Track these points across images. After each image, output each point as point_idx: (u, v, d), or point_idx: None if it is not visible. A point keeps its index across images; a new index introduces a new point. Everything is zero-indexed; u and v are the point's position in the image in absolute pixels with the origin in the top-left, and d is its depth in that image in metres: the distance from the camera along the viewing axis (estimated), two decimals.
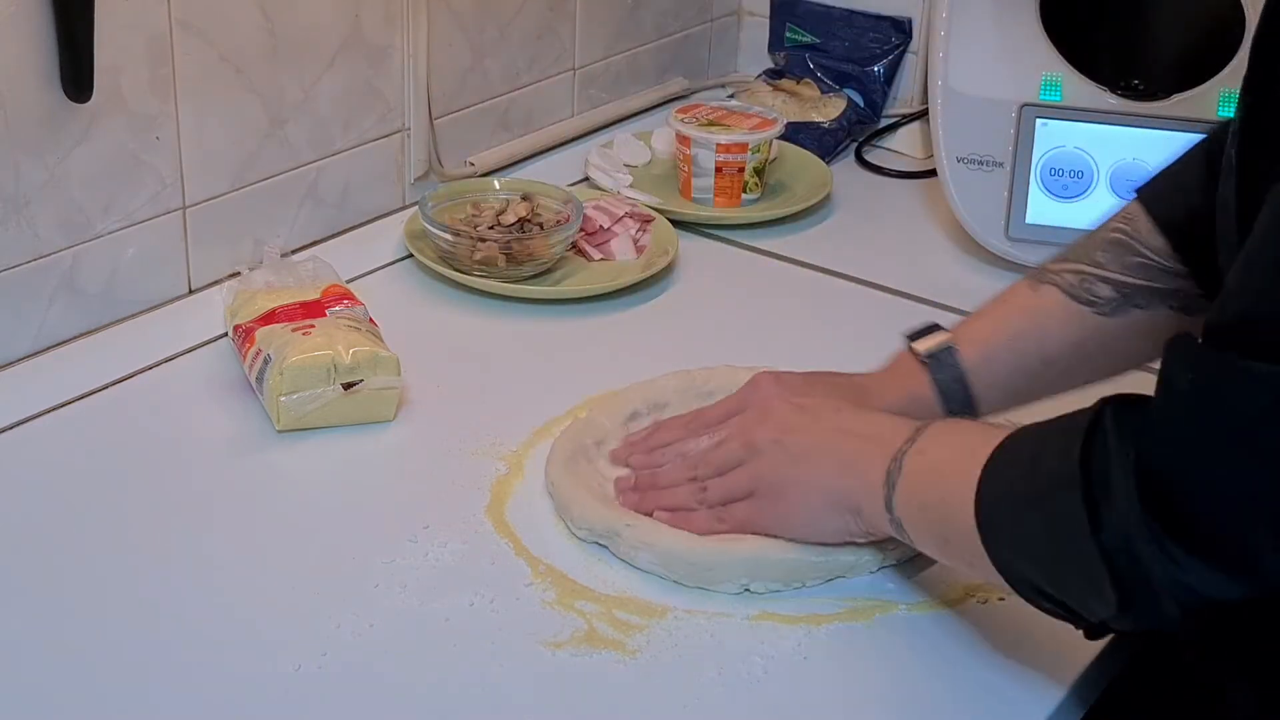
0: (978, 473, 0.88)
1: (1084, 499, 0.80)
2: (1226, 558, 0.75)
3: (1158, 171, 1.10)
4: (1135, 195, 1.09)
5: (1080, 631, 0.88)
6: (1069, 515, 0.81)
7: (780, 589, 1.01)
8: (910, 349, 1.10)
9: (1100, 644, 0.98)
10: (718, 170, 1.54)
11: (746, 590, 1.01)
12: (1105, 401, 0.83)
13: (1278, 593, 0.75)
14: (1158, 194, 1.08)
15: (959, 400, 1.09)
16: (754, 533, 1.02)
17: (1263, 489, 0.73)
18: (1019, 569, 0.87)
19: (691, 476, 1.06)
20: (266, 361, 1.16)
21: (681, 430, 1.12)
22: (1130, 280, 1.06)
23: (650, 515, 1.05)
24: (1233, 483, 0.74)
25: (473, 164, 1.55)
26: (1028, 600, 0.88)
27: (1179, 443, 0.77)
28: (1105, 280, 1.07)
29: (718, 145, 1.53)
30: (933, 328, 1.11)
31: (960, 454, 0.91)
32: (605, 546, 1.04)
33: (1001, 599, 1.01)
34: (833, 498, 1.00)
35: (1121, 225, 1.08)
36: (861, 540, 1.01)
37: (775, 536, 1.02)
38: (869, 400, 1.10)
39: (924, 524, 0.95)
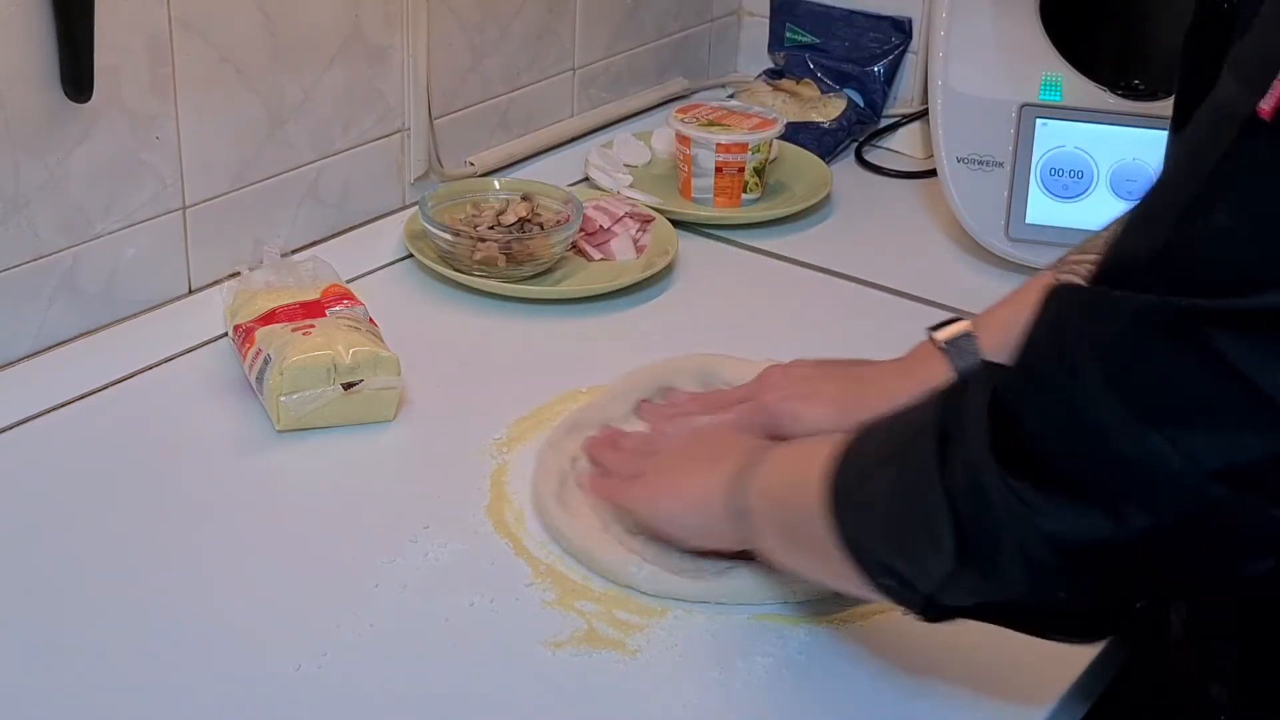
0: (836, 451, 0.87)
1: (936, 441, 0.78)
2: (1073, 490, 0.72)
3: None
4: None
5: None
6: (919, 460, 0.79)
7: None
8: (930, 338, 1.10)
9: (1100, 644, 0.98)
10: (718, 170, 1.54)
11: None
12: (982, 363, 0.81)
13: (1130, 534, 0.72)
14: None
15: None
16: (633, 513, 1.05)
17: (1112, 417, 0.70)
18: (861, 538, 0.84)
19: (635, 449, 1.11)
20: (266, 361, 1.16)
21: (696, 405, 1.16)
22: None
23: (596, 463, 1.11)
24: (1081, 411, 0.72)
25: (473, 164, 1.55)
26: (871, 582, 0.84)
27: (1031, 375, 0.75)
28: None
29: (718, 145, 1.53)
30: (954, 320, 1.11)
31: (821, 441, 0.89)
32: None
33: None
34: (693, 493, 1.01)
35: None
36: (724, 545, 1.01)
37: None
38: (871, 388, 1.10)
39: (773, 516, 0.93)
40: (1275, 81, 0.66)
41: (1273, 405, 0.67)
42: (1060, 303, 0.75)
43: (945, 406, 0.80)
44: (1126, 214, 0.77)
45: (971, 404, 0.77)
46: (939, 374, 1.06)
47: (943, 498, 0.77)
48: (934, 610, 0.82)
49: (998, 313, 1.11)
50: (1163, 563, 0.74)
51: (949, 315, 1.12)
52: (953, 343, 1.08)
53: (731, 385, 1.19)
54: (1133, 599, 0.80)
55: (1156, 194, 0.74)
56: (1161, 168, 0.76)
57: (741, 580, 1.01)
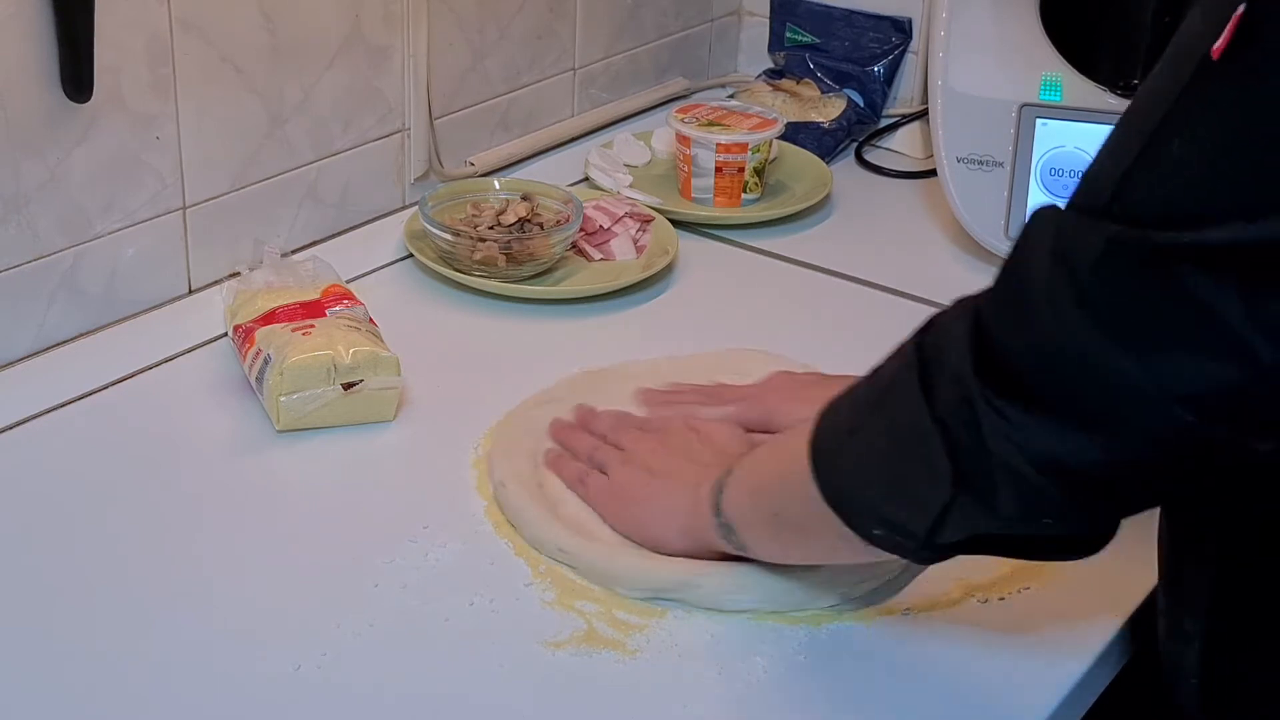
0: (814, 421, 0.89)
1: (918, 374, 0.80)
2: (1054, 410, 0.74)
3: None
4: None
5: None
6: (906, 396, 0.80)
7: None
8: None
9: (1100, 643, 0.98)
10: (718, 170, 1.54)
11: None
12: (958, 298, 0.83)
13: (1109, 454, 0.74)
14: None
15: None
16: (597, 510, 1.05)
17: (1086, 339, 0.72)
18: (853, 492, 0.85)
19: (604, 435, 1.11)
20: (266, 361, 1.16)
21: (697, 396, 1.15)
22: None
23: (558, 443, 1.12)
24: (1057, 333, 0.73)
25: (473, 164, 1.55)
26: (865, 536, 0.85)
27: (1010, 298, 0.77)
28: None
29: (718, 145, 1.53)
30: None
31: (795, 431, 0.91)
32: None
33: (1002, 599, 1.01)
34: (665, 510, 1.01)
35: None
36: (705, 555, 1.01)
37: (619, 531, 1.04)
38: None
39: (754, 511, 0.95)
40: (1228, 24, 0.68)
41: (1234, 337, 0.69)
42: (1038, 226, 0.76)
43: (921, 341, 0.81)
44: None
45: (951, 329, 0.79)
46: None
47: (934, 425, 0.78)
48: (930, 550, 0.83)
49: None
50: (1141, 482, 0.76)
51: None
52: None
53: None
54: (1117, 518, 0.81)
55: (1127, 120, 0.75)
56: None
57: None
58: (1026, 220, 0.77)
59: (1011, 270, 0.77)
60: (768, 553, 0.97)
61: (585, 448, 1.11)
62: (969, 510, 0.79)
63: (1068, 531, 0.81)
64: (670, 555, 1.01)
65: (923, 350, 0.81)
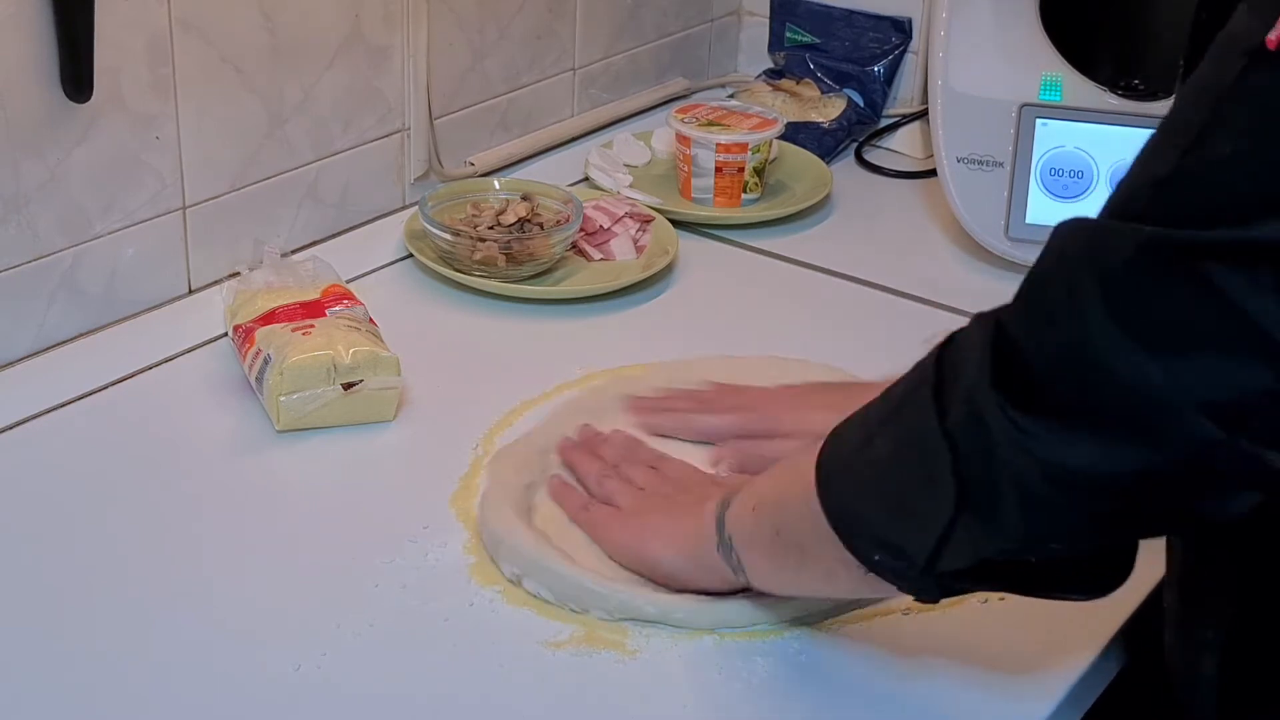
0: (818, 449, 0.87)
1: (933, 389, 0.78)
2: (1071, 418, 0.72)
3: None
4: None
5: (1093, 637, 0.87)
6: (917, 409, 0.78)
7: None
8: None
9: (1101, 643, 0.98)
10: (718, 170, 1.54)
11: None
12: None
13: (1122, 464, 0.72)
14: None
15: None
16: (596, 540, 1.03)
17: (1112, 345, 0.70)
18: (855, 511, 0.83)
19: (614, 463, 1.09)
20: (266, 361, 1.16)
21: (693, 403, 1.14)
22: None
23: (564, 466, 1.10)
24: (1082, 339, 0.71)
25: (473, 164, 1.55)
26: (864, 561, 0.83)
27: (1035, 306, 0.75)
28: None
29: (718, 145, 1.53)
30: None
31: (808, 447, 0.89)
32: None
33: (1001, 598, 1.01)
34: (669, 533, 1.00)
35: None
36: (712, 586, 0.98)
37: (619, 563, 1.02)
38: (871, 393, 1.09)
39: (755, 527, 0.92)
40: None
41: (1264, 338, 0.67)
42: (1066, 234, 0.75)
43: (940, 356, 0.80)
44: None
45: (971, 341, 0.77)
46: None
47: (943, 439, 0.76)
48: (931, 580, 0.81)
49: None
50: (1152, 497, 0.73)
51: (948, 321, 1.12)
52: None
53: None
54: (1123, 538, 0.80)
55: (1165, 126, 0.74)
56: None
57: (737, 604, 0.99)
58: (1052, 232, 0.76)
59: (1037, 277, 0.76)
60: (763, 576, 0.94)
61: (593, 474, 1.08)
62: (972, 530, 0.77)
63: (1075, 554, 0.79)
64: (665, 584, 0.99)
65: (940, 365, 0.79)
